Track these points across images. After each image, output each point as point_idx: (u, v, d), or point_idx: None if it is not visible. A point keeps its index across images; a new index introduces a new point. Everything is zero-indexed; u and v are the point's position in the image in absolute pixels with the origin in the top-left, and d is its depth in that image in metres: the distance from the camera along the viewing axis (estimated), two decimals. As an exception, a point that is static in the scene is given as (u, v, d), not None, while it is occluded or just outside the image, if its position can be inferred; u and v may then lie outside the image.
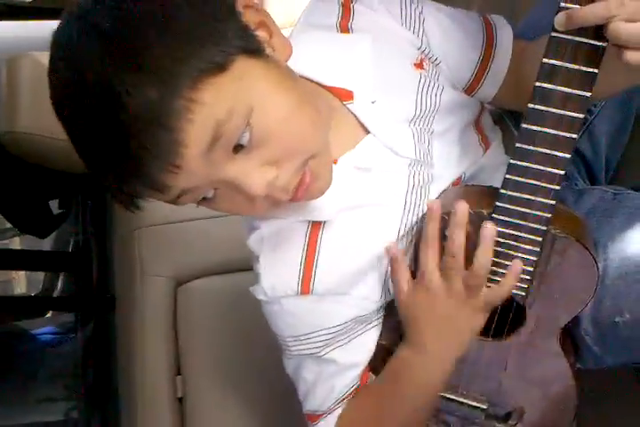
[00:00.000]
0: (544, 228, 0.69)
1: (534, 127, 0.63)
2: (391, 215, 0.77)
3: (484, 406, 0.85)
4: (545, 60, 0.60)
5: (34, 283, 2.43)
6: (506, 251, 0.71)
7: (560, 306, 0.76)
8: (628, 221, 0.82)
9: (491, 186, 0.74)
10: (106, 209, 1.80)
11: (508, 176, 0.67)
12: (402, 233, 0.77)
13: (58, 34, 0.60)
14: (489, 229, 0.69)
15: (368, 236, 0.77)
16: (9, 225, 2.15)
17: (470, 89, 0.82)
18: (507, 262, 0.72)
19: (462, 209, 0.71)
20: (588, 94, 0.60)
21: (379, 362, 0.83)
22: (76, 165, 0.63)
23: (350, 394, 0.82)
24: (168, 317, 1.34)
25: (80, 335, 1.98)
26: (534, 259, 0.71)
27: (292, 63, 0.68)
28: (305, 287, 0.77)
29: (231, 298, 1.29)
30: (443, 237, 0.74)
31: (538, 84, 0.61)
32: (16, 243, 2.43)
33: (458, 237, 0.71)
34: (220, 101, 0.57)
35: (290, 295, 0.78)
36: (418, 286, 0.75)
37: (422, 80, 0.78)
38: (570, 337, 0.83)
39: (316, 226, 0.77)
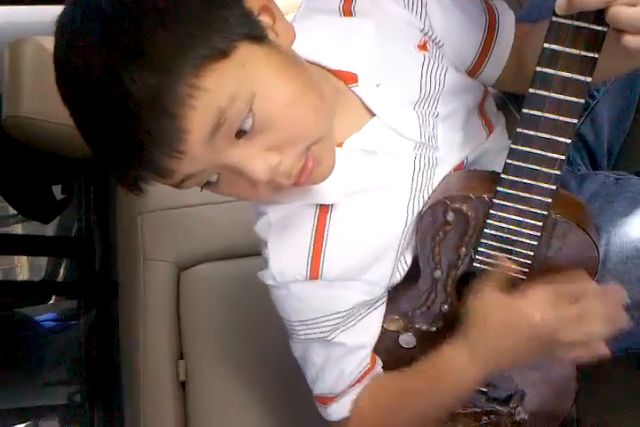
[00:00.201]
0: (545, 212, 0.69)
1: (535, 112, 0.63)
2: (398, 199, 0.77)
3: (485, 389, 0.86)
4: (545, 44, 0.60)
5: (36, 269, 2.44)
6: (507, 235, 0.72)
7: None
8: (630, 206, 0.82)
9: (493, 171, 0.74)
10: (109, 194, 1.80)
11: (508, 161, 0.67)
12: (409, 217, 0.77)
13: (62, 18, 0.60)
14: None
15: (375, 220, 0.77)
16: (11, 212, 2.16)
17: (473, 72, 0.82)
18: (508, 247, 0.72)
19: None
20: (589, 79, 0.60)
21: (384, 347, 0.84)
22: (79, 150, 0.63)
23: (362, 377, 0.83)
24: (171, 302, 1.34)
25: (83, 321, 1.99)
26: (535, 243, 0.71)
27: (295, 47, 0.68)
28: (314, 273, 0.77)
29: (234, 283, 1.30)
30: (445, 222, 0.74)
31: (538, 68, 0.61)
32: (18, 230, 2.44)
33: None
34: (223, 88, 0.57)
35: (299, 280, 0.78)
36: (512, 301, 0.72)
37: (426, 62, 0.78)
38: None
39: (324, 211, 0.77)
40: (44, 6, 1.73)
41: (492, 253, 0.73)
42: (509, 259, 0.73)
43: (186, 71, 0.55)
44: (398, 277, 0.80)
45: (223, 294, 1.31)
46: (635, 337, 0.81)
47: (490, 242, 0.73)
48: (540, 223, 0.70)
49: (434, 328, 0.84)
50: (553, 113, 0.63)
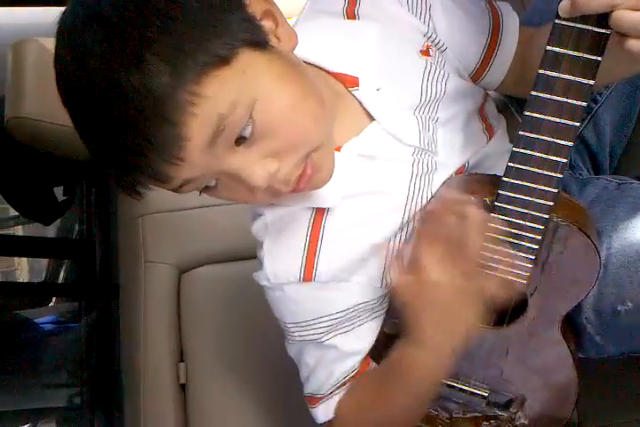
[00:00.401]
0: (546, 216, 0.69)
1: (537, 115, 0.63)
2: (395, 203, 0.77)
3: (485, 394, 0.86)
4: (548, 47, 0.60)
5: (37, 271, 2.44)
6: (508, 239, 0.71)
7: (562, 294, 0.77)
8: (632, 210, 0.82)
9: (494, 174, 0.74)
10: (110, 196, 1.80)
11: (510, 164, 0.67)
12: (405, 221, 0.77)
13: (63, 21, 0.60)
14: (478, 214, 0.67)
15: (371, 223, 0.77)
16: (12, 214, 2.16)
17: (476, 76, 0.82)
18: (509, 251, 0.72)
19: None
20: (592, 82, 0.60)
21: (383, 351, 0.83)
22: (81, 152, 0.63)
23: (350, 379, 0.83)
24: (171, 304, 1.34)
25: (83, 323, 1.99)
26: (536, 247, 0.71)
27: (298, 49, 0.68)
28: (307, 274, 0.78)
29: (235, 286, 1.30)
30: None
31: (541, 71, 0.61)
32: (19, 231, 2.44)
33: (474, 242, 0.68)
34: (224, 95, 0.57)
35: (292, 282, 0.78)
36: (414, 278, 0.71)
37: (428, 67, 0.77)
38: (571, 326, 0.83)
39: (320, 213, 0.77)
40: (47, 7, 1.74)
41: (494, 256, 0.73)
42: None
43: (186, 78, 0.55)
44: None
45: (224, 297, 1.31)
46: (636, 340, 0.81)
47: (491, 245, 0.73)
48: (542, 227, 0.69)
49: (434, 331, 0.83)
50: (555, 116, 0.63)
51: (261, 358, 1.20)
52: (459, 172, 0.80)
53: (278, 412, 1.18)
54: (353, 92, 0.75)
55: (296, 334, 0.81)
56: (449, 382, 0.86)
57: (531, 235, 0.70)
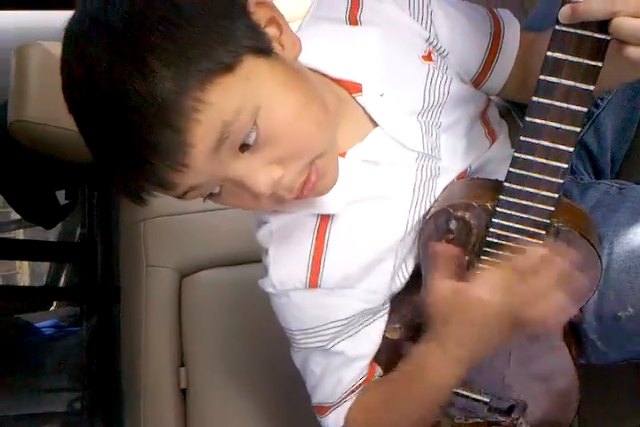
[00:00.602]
0: (547, 221, 0.69)
1: (538, 120, 0.63)
2: (399, 209, 0.77)
3: (487, 400, 0.86)
4: (549, 53, 0.60)
5: (38, 275, 2.44)
6: (509, 244, 0.71)
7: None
8: (633, 215, 0.82)
9: (496, 179, 0.74)
10: (112, 200, 1.81)
11: (511, 169, 0.67)
12: (409, 227, 0.77)
13: (70, 27, 0.60)
14: (565, 266, 0.68)
15: (376, 229, 0.77)
16: (13, 217, 2.16)
17: (478, 81, 0.82)
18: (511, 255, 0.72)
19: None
20: (592, 88, 0.60)
21: (386, 357, 0.83)
22: (84, 156, 0.63)
23: (359, 385, 0.82)
24: (172, 308, 1.34)
25: (84, 327, 1.98)
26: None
27: (301, 56, 0.69)
28: (313, 281, 0.77)
29: (236, 290, 1.30)
30: (448, 231, 0.74)
31: (541, 77, 0.61)
32: (20, 235, 2.44)
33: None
34: (228, 102, 0.57)
35: (298, 289, 0.78)
36: (463, 288, 0.71)
37: (430, 72, 0.78)
38: (573, 332, 0.83)
39: (325, 220, 0.77)
40: (51, 11, 1.75)
41: (495, 261, 0.73)
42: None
43: (190, 85, 0.55)
44: (399, 286, 0.80)
45: (225, 301, 1.31)
46: (638, 346, 0.81)
47: (492, 250, 0.73)
48: (543, 232, 0.69)
49: (436, 337, 0.83)
50: (556, 121, 0.63)
51: (263, 364, 1.20)
52: (460, 176, 0.80)
53: (280, 418, 1.17)
54: (356, 98, 0.75)
55: (302, 341, 0.81)
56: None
57: (532, 240, 0.70)
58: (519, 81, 0.81)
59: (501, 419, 0.87)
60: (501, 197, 0.69)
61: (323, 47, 0.76)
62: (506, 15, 0.82)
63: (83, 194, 2.09)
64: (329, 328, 0.79)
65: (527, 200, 0.68)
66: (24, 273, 2.48)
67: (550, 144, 0.64)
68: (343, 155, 0.74)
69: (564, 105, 0.62)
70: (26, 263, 2.47)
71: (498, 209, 0.70)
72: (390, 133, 0.76)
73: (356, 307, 0.79)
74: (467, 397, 0.86)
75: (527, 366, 0.83)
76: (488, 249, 0.73)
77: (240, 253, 1.31)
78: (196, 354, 1.28)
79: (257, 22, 0.62)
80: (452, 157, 0.79)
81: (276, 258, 0.79)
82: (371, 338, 0.82)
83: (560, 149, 0.64)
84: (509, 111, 0.95)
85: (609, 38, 0.57)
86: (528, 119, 0.64)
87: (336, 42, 0.77)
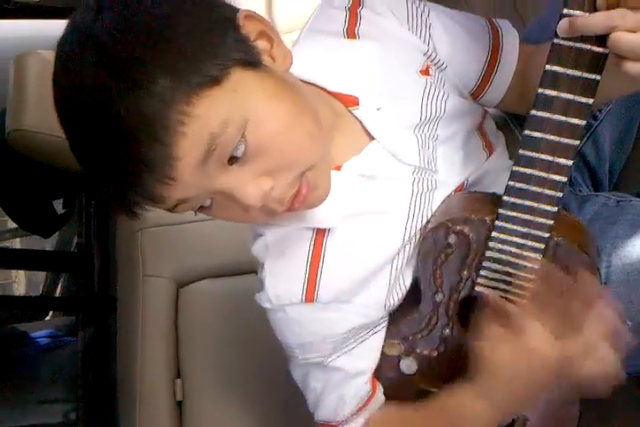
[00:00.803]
0: (547, 235, 0.68)
1: (536, 134, 0.63)
2: (395, 222, 0.77)
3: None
4: (547, 66, 0.60)
5: (34, 285, 2.43)
6: (508, 258, 0.71)
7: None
8: (631, 227, 0.82)
9: (494, 193, 0.74)
10: (109, 209, 1.80)
11: (510, 183, 0.67)
12: (406, 240, 0.77)
13: (60, 44, 0.61)
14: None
15: (372, 243, 0.77)
16: (10, 226, 2.15)
17: (476, 94, 0.82)
18: (509, 270, 0.72)
19: None
20: (591, 101, 0.60)
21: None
22: (81, 165, 0.63)
23: (365, 404, 0.81)
24: (169, 319, 1.34)
25: (80, 337, 1.98)
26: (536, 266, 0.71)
27: (297, 68, 0.69)
28: (309, 295, 0.77)
29: (233, 301, 1.29)
30: (447, 245, 0.74)
31: (540, 90, 0.61)
32: (17, 244, 2.43)
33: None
34: (214, 114, 0.57)
35: (294, 303, 0.77)
36: (511, 337, 0.68)
37: (427, 87, 0.77)
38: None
39: (321, 234, 0.77)
40: (50, 20, 1.75)
41: (494, 275, 0.72)
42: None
43: (177, 98, 0.55)
44: (396, 300, 0.79)
45: (222, 312, 1.31)
46: (638, 360, 0.81)
47: (491, 265, 0.73)
48: (542, 246, 0.69)
49: (435, 353, 0.82)
50: (555, 135, 0.63)
51: (259, 376, 1.19)
52: (458, 189, 0.80)
53: (276, 429, 1.17)
54: (353, 112, 0.74)
55: (300, 356, 0.80)
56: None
57: (531, 254, 0.70)
58: (518, 93, 0.81)
59: (501, 433, 0.86)
60: (500, 210, 0.69)
61: (320, 60, 0.76)
62: (505, 26, 0.82)
63: (80, 203, 2.09)
64: (327, 343, 0.78)
65: (526, 214, 0.68)
66: (20, 282, 2.47)
67: (549, 157, 0.64)
68: (339, 168, 0.74)
69: (563, 118, 0.62)
70: (22, 273, 2.47)
71: (497, 223, 0.70)
72: (387, 147, 0.75)
73: (354, 321, 0.78)
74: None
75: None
76: (487, 264, 0.73)
77: (238, 263, 1.31)
78: (193, 365, 1.28)
79: (246, 35, 0.62)
80: (449, 169, 0.79)
81: (272, 272, 0.78)
82: (369, 353, 0.81)
83: (559, 163, 0.64)
84: (506, 122, 0.95)
85: (607, 51, 0.57)
86: (527, 133, 0.64)
87: (333, 55, 0.77)
